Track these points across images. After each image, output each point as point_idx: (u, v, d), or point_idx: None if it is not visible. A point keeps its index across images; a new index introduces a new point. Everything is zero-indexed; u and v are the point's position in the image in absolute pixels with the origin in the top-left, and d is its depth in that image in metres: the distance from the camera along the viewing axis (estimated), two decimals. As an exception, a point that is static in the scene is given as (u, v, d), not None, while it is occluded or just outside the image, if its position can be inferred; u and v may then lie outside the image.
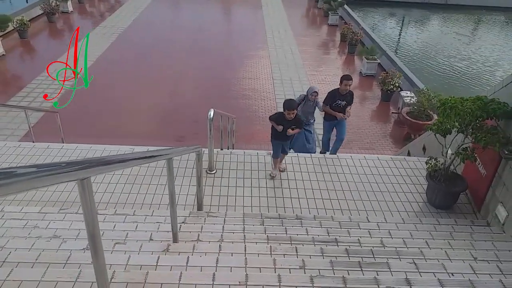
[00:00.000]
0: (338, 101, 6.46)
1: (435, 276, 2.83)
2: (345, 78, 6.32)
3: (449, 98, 4.67)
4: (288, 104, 5.25)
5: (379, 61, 12.73)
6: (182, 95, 11.11)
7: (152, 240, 3.64)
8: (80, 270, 2.69)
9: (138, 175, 5.54)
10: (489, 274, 2.98)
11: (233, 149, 7.34)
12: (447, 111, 4.55)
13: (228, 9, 20.92)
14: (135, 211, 4.65)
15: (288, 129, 5.35)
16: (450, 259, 3.29)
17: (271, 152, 5.85)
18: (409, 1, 22.56)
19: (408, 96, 10.08)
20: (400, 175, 5.71)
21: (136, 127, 9.29)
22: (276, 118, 5.44)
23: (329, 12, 17.57)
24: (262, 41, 15.90)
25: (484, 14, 21.64)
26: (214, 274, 2.70)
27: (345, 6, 18.05)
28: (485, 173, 4.86)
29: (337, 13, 17.62)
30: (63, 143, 6.88)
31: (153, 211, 4.76)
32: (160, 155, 2.93)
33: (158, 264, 2.96)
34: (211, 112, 5.46)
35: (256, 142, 8.99)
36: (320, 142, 7.62)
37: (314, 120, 7.21)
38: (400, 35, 18.71)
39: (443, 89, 11.27)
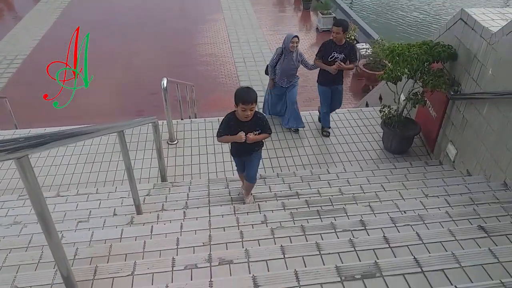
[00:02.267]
0: (334, 53, 5.10)
1: (388, 215, 3.01)
2: (334, 24, 5.10)
3: (397, 45, 4.76)
4: (243, 94, 3.19)
5: (334, 15, 12.69)
6: (138, 69, 10.79)
7: (116, 215, 3.66)
8: (42, 252, 2.69)
9: (98, 153, 5.45)
10: (438, 207, 3.19)
11: (195, 118, 7.29)
12: (396, 58, 4.64)
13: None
14: (97, 189, 4.61)
15: (249, 135, 3.35)
16: (403, 199, 3.48)
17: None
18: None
19: (364, 48, 10.19)
20: (358, 126, 5.87)
21: (93, 106, 9.01)
22: (228, 126, 3.41)
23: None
24: (215, 4, 15.47)
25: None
26: (178, 238, 2.76)
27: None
28: (435, 115, 5.07)
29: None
30: (16, 129, 6.62)
31: (116, 187, 4.73)
32: (109, 128, 2.89)
33: (122, 236, 2.99)
34: (164, 81, 5.35)
35: (220, 109, 8.92)
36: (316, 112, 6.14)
37: (298, 78, 5.72)
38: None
39: (398, 39, 11.43)
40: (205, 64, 11.06)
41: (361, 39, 11.29)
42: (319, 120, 5.97)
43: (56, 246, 1.92)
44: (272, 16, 14.42)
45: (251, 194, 3.93)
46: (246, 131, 3.37)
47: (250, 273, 2.23)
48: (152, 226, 3.14)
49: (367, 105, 7.76)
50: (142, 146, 5.67)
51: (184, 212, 3.54)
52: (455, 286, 1.84)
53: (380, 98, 7.12)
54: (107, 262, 2.54)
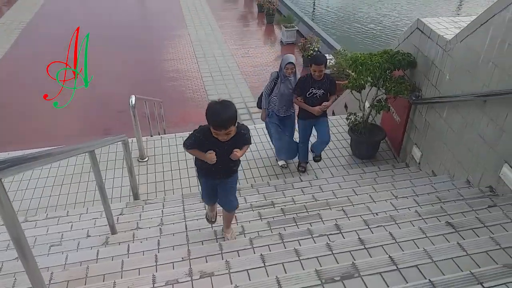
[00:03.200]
0: (312, 89, 4.56)
1: (362, 218, 3.10)
2: (314, 62, 4.44)
3: (359, 55, 4.96)
4: (214, 117, 2.46)
5: (297, 28, 13.00)
6: (103, 87, 10.61)
7: (90, 236, 3.58)
8: (15, 278, 2.60)
9: (66, 175, 5.32)
10: (407, 208, 3.32)
11: (165, 134, 7.24)
12: (359, 67, 4.83)
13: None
14: (68, 211, 4.50)
15: (235, 152, 2.70)
16: (374, 201, 3.60)
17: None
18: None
19: (327, 59, 10.47)
20: (326, 134, 6.02)
21: (57, 127, 8.76)
22: (199, 143, 2.72)
23: (244, -16, 17.51)
24: (179, 20, 15.52)
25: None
26: (156, 255, 2.74)
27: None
28: (399, 120, 5.28)
29: (252, -15, 17.60)
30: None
31: (88, 208, 4.62)
32: (80, 148, 2.86)
33: (98, 257, 2.93)
34: (133, 99, 5.32)
35: (188, 124, 8.92)
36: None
37: (294, 112, 5.08)
38: (314, 1, 19.14)
39: (358, 49, 11.83)
40: (172, 80, 11.03)
41: (324, 50, 11.61)
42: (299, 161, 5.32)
43: (33, 271, 1.88)
44: (236, 31, 14.61)
45: (232, 228, 3.16)
46: (224, 152, 2.66)
47: (232, 284, 2.25)
48: (128, 245, 3.10)
49: (333, 114, 7.97)
50: (111, 165, 5.58)
51: (160, 229, 3.50)
52: (429, 279, 1.93)
53: (346, 106, 7.34)
54: (85, 284, 2.48)
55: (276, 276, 2.15)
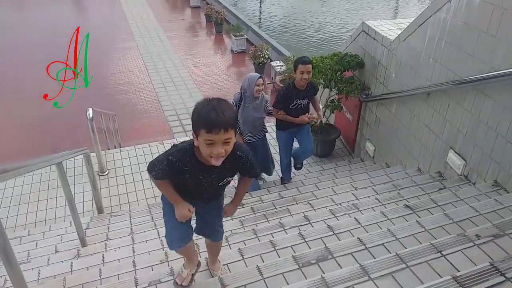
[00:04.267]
0: (297, 101, 4.13)
1: (327, 209, 3.31)
2: (301, 62, 3.98)
3: (311, 59, 5.23)
4: (209, 114, 1.65)
5: (246, 36, 13.25)
6: (50, 103, 10.20)
7: (59, 251, 3.51)
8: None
9: (22, 194, 5.13)
10: (367, 196, 3.57)
11: (121, 147, 7.15)
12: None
13: (79, 3, 19.53)
14: (29, 231, 4.35)
15: (227, 209, 2.21)
16: (336, 193, 3.83)
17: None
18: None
19: (278, 66, 10.79)
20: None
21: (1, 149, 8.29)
22: (173, 170, 1.88)
23: (189, -6, 17.61)
24: (126, 32, 15.28)
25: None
26: (133, 261, 2.76)
27: (203, -14, 18.21)
28: (352, 118, 5.61)
29: (197, -6, 17.74)
30: None
31: (50, 226, 4.50)
32: (49, 161, 2.83)
33: (72, 269, 2.90)
34: (90, 111, 5.26)
35: (144, 137, 8.81)
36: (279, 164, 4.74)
37: (266, 131, 4.39)
38: (261, 9, 19.59)
39: (308, 54, 12.28)
40: (124, 93, 10.84)
41: (274, 57, 11.93)
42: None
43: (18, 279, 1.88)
44: (186, 41, 14.63)
45: (219, 261, 2.48)
46: (211, 181, 1.95)
47: (213, 277, 2.34)
48: (102, 254, 3.08)
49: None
50: (71, 180, 5.44)
51: (132, 237, 3.51)
52: (395, 253, 2.13)
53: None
54: (64, 295, 2.47)
55: (257, 265, 2.28)
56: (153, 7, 18.17)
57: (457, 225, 2.54)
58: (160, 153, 1.93)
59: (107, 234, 3.75)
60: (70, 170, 5.66)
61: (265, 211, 3.56)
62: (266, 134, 4.41)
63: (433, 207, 2.95)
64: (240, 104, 4.08)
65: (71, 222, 4.54)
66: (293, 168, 4.75)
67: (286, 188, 4.36)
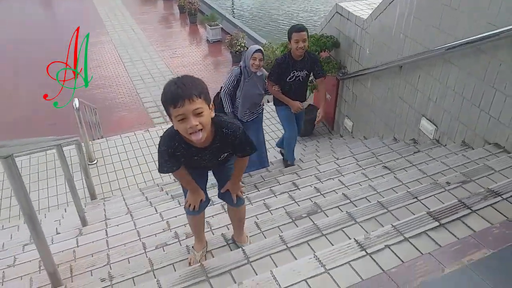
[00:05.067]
0: (293, 72, 3.89)
1: (313, 175, 3.57)
2: (295, 30, 3.73)
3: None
4: (169, 92, 1.68)
5: (221, 26, 13.36)
6: (29, 98, 10.10)
7: (60, 233, 3.65)
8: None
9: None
10: (349, 164, 3.85)
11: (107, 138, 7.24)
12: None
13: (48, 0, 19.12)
14: (23, 221, 4.45)
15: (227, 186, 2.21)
16: (319, 164, 4.09)
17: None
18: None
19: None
20: (267, 118, 6.48)
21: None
22: (170, 156, 1.92)
23: (161, -13, 17.51)
24: (99, 26, 15.14)
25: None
26: (138, 231, 2.96)
27: (174, -21, 18.12)
28: (330, 97, 5.88)
29: (169, -13, 17.65)
30: None
31: (45, 214, 4.62)
32: (46, 142, 2.98)
33: (79, 244, 3.06)
34: (76, 102, 5.38)
35: (125, 129, 8.88)
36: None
37: (263, 109, 4.26)
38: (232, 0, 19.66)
39: (282, 41, 12.50)
40: (101, 87, 10.82)
41: (250, 45, 12.09)
42: (282, 155, 4.70)
43: (42, 243, 2.06)
44: (160, 33, 14.62)
45: (245, 232, 2.41)
46: (207, 159, 1.97)
47: (213, 234, 2.57)
48: (105, 230, 3.26)
49: (268, 101, 8.48)
50: (58, 171, 5.53)
51: (130, 215, 3.69)
52: (377, 201, 2.41)
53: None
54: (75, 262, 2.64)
55: (255, 221, 2.52)
56: (125, 1, 18.00)
57: (430, 178, 2.85)
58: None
59: (105, 215, 3.91)
60: (56, 162, 5.73)
61: (254, 184, 3.79)
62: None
63: (409, 167, 3.25)
64: (240, 79, 3.83)
65: (65, 209, 4.70)
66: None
67: (272, 164, 4.60)
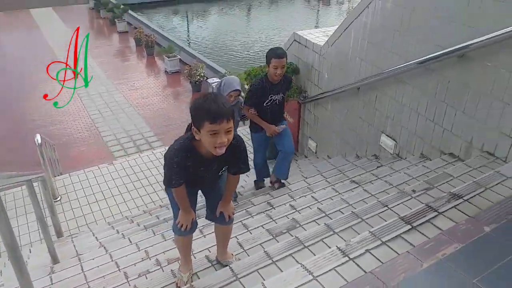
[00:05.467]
0: (271, 96, 3.87)
1: (286, 194, 3.69)
2: (275, 55, 3.65)
3: (252, 69, 5.70)
4: (211, 105, 1.83)
5: (179, 57, 13.52)
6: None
7: (30, 271, 3.50)
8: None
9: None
10: (318, 182, 4.01)
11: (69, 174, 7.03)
12: (253, 79, 5.54)
13: (-4, 36, 18.56)
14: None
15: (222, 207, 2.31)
16: (290, 183, 4.22)
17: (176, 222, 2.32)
18: (184, -3, 24.06)
19: (215, 82, 11.18)
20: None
21: None
22: (184, 167, 2.02)
23: (116, 20, 17.51)
24: (52, 60, 14.84)
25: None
26: (116, 262, 2.92)
27: (130, 11, 18.23)
28: (292, 120, 6.11)
29: (124, 20, 17.70)
30: None
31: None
32: (16, 178, 2.92)
33: (53, 282, 2.96)
34: (38, 137, 5.26)
35: (84, 165, 8.66)
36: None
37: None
38: (188, 31, 20.00)
39: (242, 69, 12.83)
40: (57, 123, 10.53)
41: (210, 74, 12.33)
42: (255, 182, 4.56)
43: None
44: (117, 66, 14.55)
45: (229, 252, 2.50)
46: (212, 172, 2.13)
47: (197, 258, 2.60)
48: (80, 265, 3.18)
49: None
50: (16, 212, 5.31)
51: (104, 248, 3.61)
52: (351, 211, 2.55)
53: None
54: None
55: (236, 241, 2.58)
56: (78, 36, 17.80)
57: (396, 188, 3.05)
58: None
59: (76, 251, 3.80)
60: (10, 203, 5.50)
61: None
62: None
63: (375, 180, 3.46)
64: None
65: (30, 249, 4.50)
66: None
67: (243, 187, 4.69)
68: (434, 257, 1.76)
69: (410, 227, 2.11)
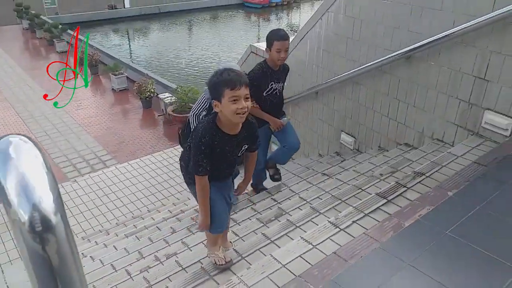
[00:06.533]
0: (271, 84, 3.46)
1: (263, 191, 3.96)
2: (278, 37, 3.26)
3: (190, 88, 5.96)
4: (228, 67, 2.19)
5: (126, 74, 13.42)
6: None
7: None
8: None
9: None
10: (290, 178, 4.32)
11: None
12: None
13: None
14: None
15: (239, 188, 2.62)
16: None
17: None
18: (125, 16, 23.84)
19: (167, 97, 11.26)
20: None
21: None
22: (210, 148, 2.11)
23: (54, 40, 16.98)
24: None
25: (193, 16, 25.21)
26: (112, 265, 3.01)
27: (68, 31, 17.75)
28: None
29: (63, 39, 17.19)
30: None
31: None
32: None
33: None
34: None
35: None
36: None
37: None
38: (130, 49, 19.83)
39: (189, 83, 13.01)
40: (2, 148, 10.05)
41: (160, 90, 12.37)
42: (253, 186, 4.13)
43: None
44: (59, 86, 14.09)
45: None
46: (233, 150, 2.22)
47: (191, 251, 2.78)
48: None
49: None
50: None
51: (91, 257, 3.64)
52: (331, 194, 2.88)
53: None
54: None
55: (232, 230, 2.80)
56: (14, 57, 17.03)
57: (364, 175, 3.44)
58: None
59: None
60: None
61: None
62: None
63: (343, 171, 3.84)
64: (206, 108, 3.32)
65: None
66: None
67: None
68: (412, 218, 2.12)
69: (386, 200, 2.47)
